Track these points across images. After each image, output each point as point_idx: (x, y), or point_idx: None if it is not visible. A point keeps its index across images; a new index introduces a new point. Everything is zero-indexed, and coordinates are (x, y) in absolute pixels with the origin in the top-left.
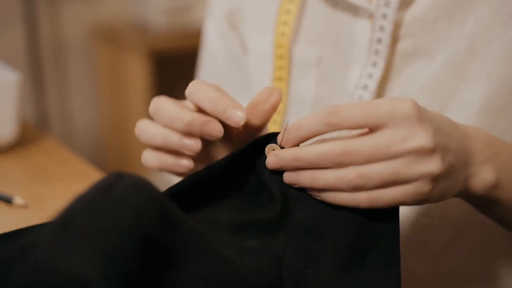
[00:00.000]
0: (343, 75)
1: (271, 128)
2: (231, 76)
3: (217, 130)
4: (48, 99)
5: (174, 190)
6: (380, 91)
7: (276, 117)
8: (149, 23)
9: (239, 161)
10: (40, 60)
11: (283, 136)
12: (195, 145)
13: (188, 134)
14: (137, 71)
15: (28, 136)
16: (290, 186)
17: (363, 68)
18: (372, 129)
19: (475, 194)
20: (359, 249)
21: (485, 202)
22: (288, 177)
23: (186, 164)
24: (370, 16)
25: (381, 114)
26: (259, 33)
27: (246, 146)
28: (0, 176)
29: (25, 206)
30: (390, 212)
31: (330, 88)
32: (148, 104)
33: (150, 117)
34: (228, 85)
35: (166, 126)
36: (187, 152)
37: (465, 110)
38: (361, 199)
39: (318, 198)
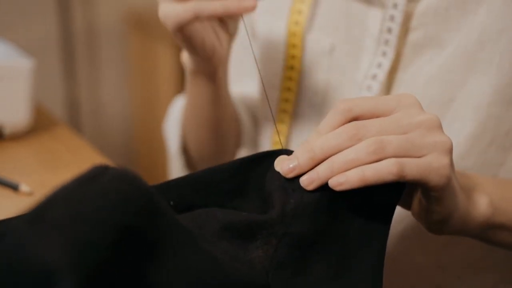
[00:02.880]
0: (355, 64)
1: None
2: (244, 61)
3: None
4: (80, 87)
5: (170, 187)
6: (389, 81)
7: (286, 106)
8: None
9: (240, 170)
10: (72, 48)
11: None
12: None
13: None
14: (168, 60)
15: (42, 123)
16: (292, 193)
17: (372, 57)
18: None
19: (477, 221)
20: (349, 259)
21: (486, 230)
22: (306, 178)
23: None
24: (383, 5)
25: (388, 101)
26: (270, 19)
27: (249, 158)
28: (10, 162)
29: (30, 193)
30: (382, 224)
31: (341, 77)
32: (178, 92)
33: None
34: (240, 70)
35: None
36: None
37: (474, 101)
38: (389, 165)
39: (343, 186)
